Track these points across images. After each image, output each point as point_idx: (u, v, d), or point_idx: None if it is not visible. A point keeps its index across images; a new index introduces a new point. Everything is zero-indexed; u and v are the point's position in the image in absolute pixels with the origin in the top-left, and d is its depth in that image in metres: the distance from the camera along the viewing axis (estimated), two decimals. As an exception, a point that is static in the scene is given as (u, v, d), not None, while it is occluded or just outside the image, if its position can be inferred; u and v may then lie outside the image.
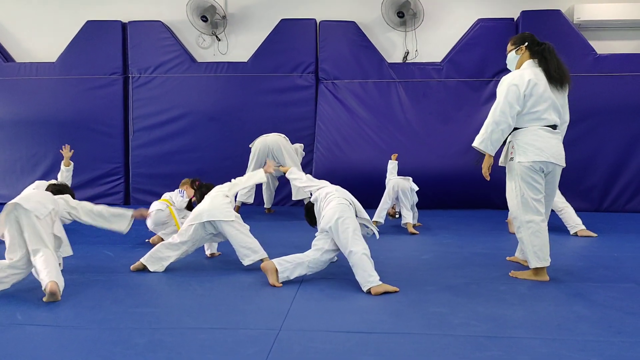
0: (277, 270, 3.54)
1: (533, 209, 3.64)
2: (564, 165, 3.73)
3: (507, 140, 3.79)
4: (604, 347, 2.50)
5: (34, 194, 3.71)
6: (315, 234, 3.80)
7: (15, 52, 8.34)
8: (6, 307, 3.06)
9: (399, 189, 5.62)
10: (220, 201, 4.07)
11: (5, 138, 8.03)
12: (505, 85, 3.70)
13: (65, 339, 2.59)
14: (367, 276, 3.38)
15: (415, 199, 5.76)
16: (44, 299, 3.17)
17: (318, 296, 3.32)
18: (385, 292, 3.34)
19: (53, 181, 4.93)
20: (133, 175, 8.00)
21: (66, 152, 5.71)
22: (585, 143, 7.19)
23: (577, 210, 5.65)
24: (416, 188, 5.73)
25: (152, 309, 3.07)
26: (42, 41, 8.25)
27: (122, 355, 2.39)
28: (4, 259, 3.34)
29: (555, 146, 3.68)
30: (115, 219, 3.82)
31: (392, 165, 5.95)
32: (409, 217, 5.57)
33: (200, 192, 4.35)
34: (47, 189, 4.03)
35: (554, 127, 3.70)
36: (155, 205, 4.95)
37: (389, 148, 7.30)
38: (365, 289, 3.37)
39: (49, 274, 3.18)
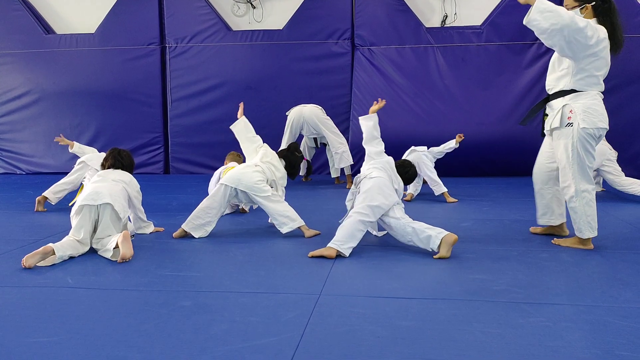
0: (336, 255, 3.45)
1: (588, 178, 3.51)
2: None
3: (562, 104, 3.50)
4: (650, 315, 2.45)
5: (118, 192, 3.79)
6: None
7: (55, 24, 8.49)
8: (57, 272, 3.19)
9: (417, 162, 5.37)
10: (256, 177, 4.07)
11: (50, 109, 8.25)
12: (586, 22, 3.28)
13: (114, 301, 2.69)
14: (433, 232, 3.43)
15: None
16: (119, 257, 3.37)
17: (357, 263, 3.35)
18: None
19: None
20: (172, 145, 8.14)
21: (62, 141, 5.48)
22: (632, 108, 6.94)
23: (622, 177, 5.50)
24: (437, 156, 5.66)
25: (195, 273, 3.16)
26: (82, 13, 8.38)
27: (169, 316, 2.47)
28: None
29: (605, 112, 3.52)
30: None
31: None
32: (440, 187, 5.46)
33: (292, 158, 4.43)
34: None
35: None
36: None
37: (426, 115, 7.21)
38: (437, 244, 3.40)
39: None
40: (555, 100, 3.57)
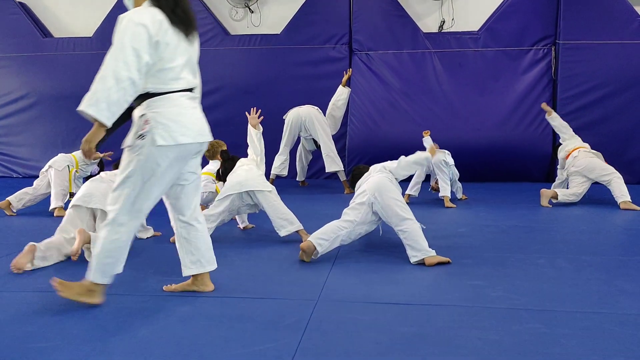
0: (314, 250, 3.48)
1: (140, 213, 2.67)
2: (211, 139, 2.94)
3: (140, 114, 2.69)
4: (647, 322, 2.46)
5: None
6: (351, 202, 3.76)
7: (53, 27, 8.49)
8: (49, 276, 3.18)
9: (432, 162, 5.50)
10: (256, 172, 4.12)
11: (47, 112, 8.24)
12: (128, 24, 2.60)
13: (112, 306, 2.68)
14: (424, 245, 3.40)
15: (456, 172, 5.68)
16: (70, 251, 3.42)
17: (354, 268, 3.35)
18: (439, 263, 3.35)
19: None
20: (169, 149, 8.12)
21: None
22: (629, 113, 6.98)
23: (619, 183, 5.51)
24: (451, 162, 5.64)
25: (192, 279, 3.15)
26: (79, 16, 8.38)
27: (166, 321, 2.47)
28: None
29: (201, 120, 2.83)
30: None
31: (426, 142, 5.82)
32: (445, 190, 5.51)
33: (228, 164, 4.37)
34: None
35: (191, 90, 2.78)
36: (205, 184, 4.98)
37: (423, 120, 7.21)
38: (416, 260, 3.37)
39: None
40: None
